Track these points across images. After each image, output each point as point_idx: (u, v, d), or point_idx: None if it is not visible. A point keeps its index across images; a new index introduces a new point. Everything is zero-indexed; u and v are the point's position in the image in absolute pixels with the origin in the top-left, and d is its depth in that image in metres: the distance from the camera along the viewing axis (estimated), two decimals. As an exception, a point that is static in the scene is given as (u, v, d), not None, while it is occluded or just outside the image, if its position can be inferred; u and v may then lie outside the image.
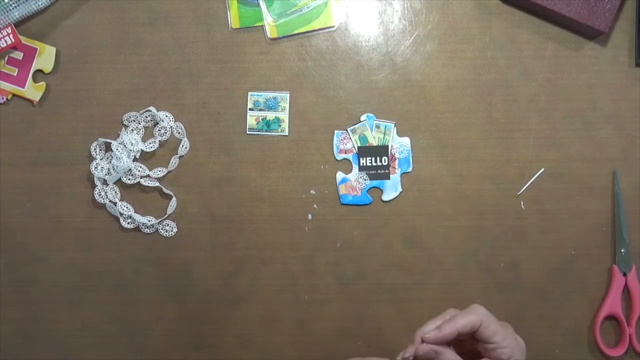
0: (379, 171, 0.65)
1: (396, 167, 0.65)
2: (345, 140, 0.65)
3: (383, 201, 0.65)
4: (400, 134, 0.65)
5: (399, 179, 0.65)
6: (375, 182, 0.65)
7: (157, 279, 0.66)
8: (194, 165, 0.66)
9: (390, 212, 0.66)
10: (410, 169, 0.65)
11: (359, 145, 0.65)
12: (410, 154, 0.65)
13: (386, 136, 0.65)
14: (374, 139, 0.65)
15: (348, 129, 0.65)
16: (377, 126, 0.65)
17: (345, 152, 0.65)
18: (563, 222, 0.66)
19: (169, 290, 0.66)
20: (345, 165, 0.66)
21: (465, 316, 0.49)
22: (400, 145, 0.65)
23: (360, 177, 0.65)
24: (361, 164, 0.65)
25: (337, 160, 0.65)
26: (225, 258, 0.66)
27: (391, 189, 0.65)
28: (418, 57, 0.66)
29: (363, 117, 0.65)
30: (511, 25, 0.66)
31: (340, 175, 0.65)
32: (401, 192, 0.65)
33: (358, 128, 0.65)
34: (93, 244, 0.66)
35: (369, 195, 0.65)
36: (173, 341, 0.66)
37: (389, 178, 0.65)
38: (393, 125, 0.65)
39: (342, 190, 0.65)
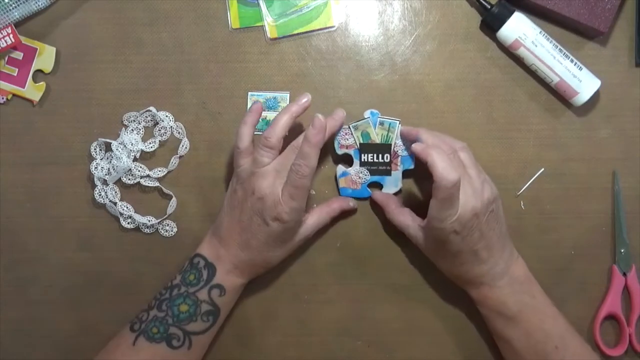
0: (380, 167, 0.63)
1: (398, 163, 0.63)
2: (347, 136, 0.63)
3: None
4: (406, 119, 0.63)
5: (400, 175, 0.63)
6: (375, 177, 0.64)
7: (157, 279, 0.66)
8: (194, 165, 0.66)
9: (390, 212, 0.66)
10: (412, 166, 0.63)
11: (361, 142, 0.63)
12: None
13: (390, 134, 0.62)
14: (376, 136, 0.62)
15: (350, 125, 0.62)
16: (381, 123, 0.62)
17: (347, 148, 0.63)
18: (563, 222, 0.66)
19: (169, 290, 0.66)
20: (346, 159, 0.65)
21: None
22: (404, 142, 0.63)
23: (361, 172, 0.63)
24: (362, 160, 0.63)
25: (338, 154, 0.64)
26: (225, 258, 0.66)
27: (391, 185, 0.63)
28: (418, 57, 0.66)
29: (367, 114, 0.62)
30: (511, 25, 0.66)
31: (340, 168, 0.64)
32: (401, 189, 0.64)
33: (360, 125, 0.62)
34: (93, 244, 0.66)
35: (368, 190, 0.64)
36: (173, 341, 0.66)
37: (390, 174, 0.63)
38: (398, 122, 0.62)
39: (342, 183, 0.64)
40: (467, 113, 0.66)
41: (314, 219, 0.61)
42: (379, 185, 0.64)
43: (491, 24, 0.64)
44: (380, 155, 0.63)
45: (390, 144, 0.62)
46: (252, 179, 0.57)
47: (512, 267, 0.59)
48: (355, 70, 0.66)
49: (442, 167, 0.52)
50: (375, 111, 0.62)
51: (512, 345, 0.58)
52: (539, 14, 0.66)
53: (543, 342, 0.57)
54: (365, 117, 0.62)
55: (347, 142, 0.63)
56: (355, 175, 0.63)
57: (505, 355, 0.61)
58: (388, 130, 0.62)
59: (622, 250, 0.64)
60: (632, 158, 0.66)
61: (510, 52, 0.65)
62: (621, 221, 0.65)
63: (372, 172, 0.63)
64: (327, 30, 0.66)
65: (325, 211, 0.62)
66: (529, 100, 0.66)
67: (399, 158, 0.63)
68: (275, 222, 0.56)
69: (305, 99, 0.59)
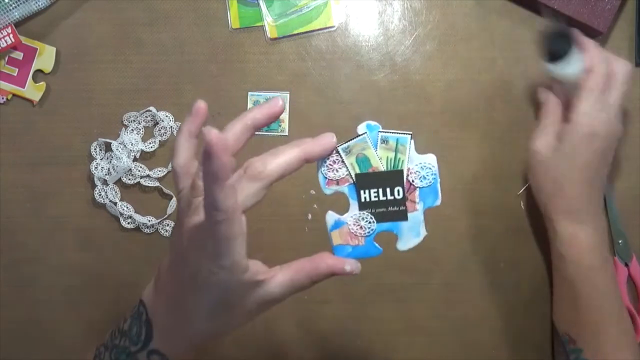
0: (390, 208, 0.43)
1: (417, 200, 0.43)
2: (336, 165, 0.42)
3: (399, 250, 0.44)
4: (419, 149, 0.43)
5: (422, 217, 0.43)
6: (385, 225, 0.43)
7: (157, 279, 0.66)
8: (194, 165, 0.66)
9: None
10: (438, 202, 0.43)
11: (358, 172, 0.42)
12: (438, 180, 0.43)
13: (399, 155, 0.42)
14: (380, 162, 0.42)
15: (339, 148, 0.42)
16: (384, 141, 0.42)
17: (338, 183, 0.43)
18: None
19: (169, 290, 0.66)
20: (339, 201, 0.44)
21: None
22: (422, 167, 0.43)
23: (363, 220, 0.43)
24: (362, 200, 0.43)
25: (325, 194, 0.43)
26: (225, 258, 0.66)
27: (410, 234, 0.43)
28: (418, 57, 0.66)
29: (361, 129, 0.42)
30: (511, 25, 0.66)
31: (332, 216, 0.43)
32: (426, 236, 0.44)
33: (355, 145, 0.42)
34: (93, 244, 0.66)
35: (376, 244, 0.43)
36: (173, 341, 0.66)
37: (406, 218, 0.43)
38: (409, 138, 0.42)
39: (335, 239, 0.43)
40: (467, 113, 0.66)
41: (286, 277, 0.42)
42: (392, 236, 0.44)
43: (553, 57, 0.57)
44: (388, 191, 0.43)
45: (402, 171, 0.43)
46: (186, 213, 0.40)
47: (601, 222, 0.58)
48: (355, 70, 0.66)
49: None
50: (374, 124, 0.42)
51: (578, 302, 0.56)
52: (540, 12, 0.66)
53: (610, 307, 0.56)
54: (360, 133, 0.42)
55: (336, 174, 0.43)
56: (355, 224, 0.43)
57: (565, 311, 0.59)
58: (396, 151, 0.42)
59: (620, 241, 0.65)
60: (632, 158, 0.66)
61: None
62: (614, 213, 0.65)
63: (379, 218, 0.43)
64: (327, 30, 0.66)
65: (305, 271, 0.42)
66: (529, 100, 0.66)
67: (417, 191, 0.43)
68: (204, 283, 0.39)
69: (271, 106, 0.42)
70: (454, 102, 0.66)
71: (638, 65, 0.66)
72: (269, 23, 0.66)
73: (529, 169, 0.60)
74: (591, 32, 0.65)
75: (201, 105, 0.43)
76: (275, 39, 0.66)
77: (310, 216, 0.66)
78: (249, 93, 0.66)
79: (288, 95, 0.66)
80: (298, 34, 0.66)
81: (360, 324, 0.66)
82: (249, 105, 0.66)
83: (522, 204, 0.66)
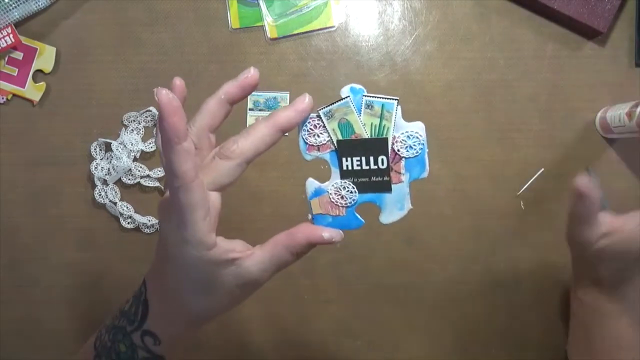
0: (373, 178, 0.40)
1: (402, 171, 0.40)
2: (317, 130, 0.40)
3: (381, 223, 0.41)
4: (407, 117, 0.40)
5: (407, 189, 0.40)
6: (367, 196, 0.40)
7: (157, 279, 0.66)
8: (194, 165, 0.66)
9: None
10: (425, 174, 0.40)
11: (340, 138, 0.40)
12: (426, 150, 0.40)
13: (385, 122, 0.39)
14: (364, 128, 0.39)
15: (320, 112, 0.39)
16: (369, 105, 0.39)
17: (319, 149, 0.40)
18: (563, 222, 0.66)
19: (169, 290, 0.66)
20: (320, 168, 0.44)
21: None
22: (409, 135, 0.39)
23: (344, 189, 0.41)
24: (344, 168, 0.40)
25: (306, 160, 0.41)
26: (225, 258, 0.66)
27: (394, 207, 0.40)
28: (418, 57, 0.66)
29: (345, 92, 0.39)
30: (511, 25, 0.66)
31: (312, 184, 0.41)
32: (411, 210, 0.41)
33: (337, 110, 0.39)
34: (93, 244, 0.66)
35: (358, 215, 0.41)
36: (173, 341, 0.66)
37: (390, 189, 0.40)
38: (395, 103, 0.39)
39: (315, 207, 0.42)
40: (467, 113, 0.66)
41: (264, 254, 0.40)
42: (375, 208, 0.41)
43: None
44: (371, 159, 0.40)
45: (387, 139, 0.39)
46: (165, 187, 0.40)
47: None
48: (355, 70, 0.66)
49: None
50: (358, 87, 0.39)
51: (592, 347, 0.56)
52: (540, 12, 0.66)
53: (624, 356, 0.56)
54: (344, 96, 0.39)
55: (317, 140, 0.40)
56: (335, 194, 0.41)
57: (581, 352, 0.58)
58: (381, 117, 0.39)
59: None
60: (631, 159, 0.66)
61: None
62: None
63: (361, 188, 0.40)
64: (327, 30, 0.66)
65: (283, 244, 0.40)
66: (528, 100, 0.66)
67: (402, 162, 0.40)
68: (174, 257, 0.39)
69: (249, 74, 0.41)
70: (454, 102, 0.66)
71: (638, 65, 0.66)
72: (269, 23, 0.66)
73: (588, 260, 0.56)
74: (591, 32, 0.65)
75: (177, 82, 0.43)
76: (275, 39, 0.66)
77: (310, 216, 0.66)
78: (249, 93, 0.66)
79: (288, 95, 0.66)
80: (298, 34, 0.66)
81: (360, 324, 0.66)
82: (249, 105, 0.66)
83: (522, 204, 0.66)
